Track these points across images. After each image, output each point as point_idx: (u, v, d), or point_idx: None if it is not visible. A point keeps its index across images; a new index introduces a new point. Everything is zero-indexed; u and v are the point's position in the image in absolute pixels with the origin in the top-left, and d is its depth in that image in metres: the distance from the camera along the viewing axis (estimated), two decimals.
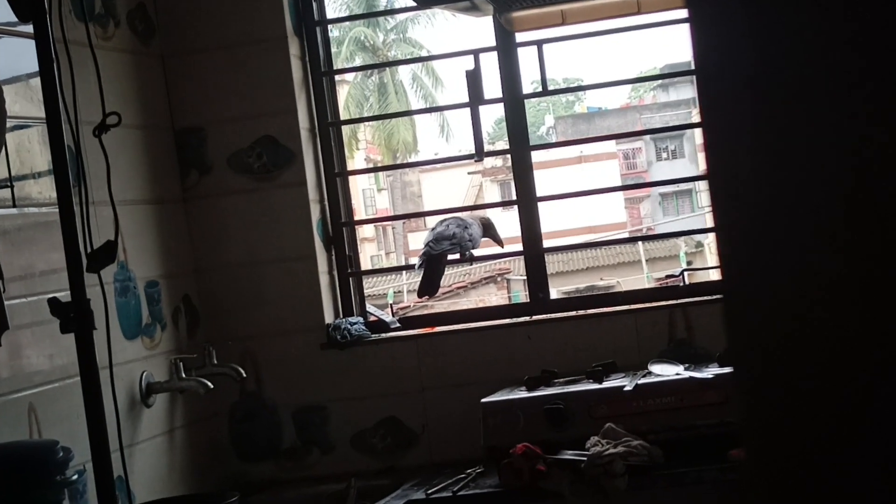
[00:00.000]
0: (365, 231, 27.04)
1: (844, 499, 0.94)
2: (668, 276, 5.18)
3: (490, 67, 4.93)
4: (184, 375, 4.53)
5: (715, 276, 5.42)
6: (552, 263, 4.77)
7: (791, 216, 0.97)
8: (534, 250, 4.95)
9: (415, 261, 5.18)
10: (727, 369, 4.26)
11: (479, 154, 5.01)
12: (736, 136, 1.02)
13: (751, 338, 1.01)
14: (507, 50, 4.89)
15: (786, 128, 0.98)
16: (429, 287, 5.01)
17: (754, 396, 1.01)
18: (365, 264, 5.14)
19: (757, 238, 0.99)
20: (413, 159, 30.45)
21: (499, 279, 22.22)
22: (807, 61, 0.99)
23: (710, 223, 23.27)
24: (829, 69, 0.98)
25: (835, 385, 0.94)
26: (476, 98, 4.90)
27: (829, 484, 0.95)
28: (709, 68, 1.04)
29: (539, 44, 4.84)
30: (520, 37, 4.89)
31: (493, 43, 4.90)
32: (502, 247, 5.08)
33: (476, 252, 5.07)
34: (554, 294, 5.03)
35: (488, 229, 5.07)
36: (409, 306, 13.12)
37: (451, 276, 21.23)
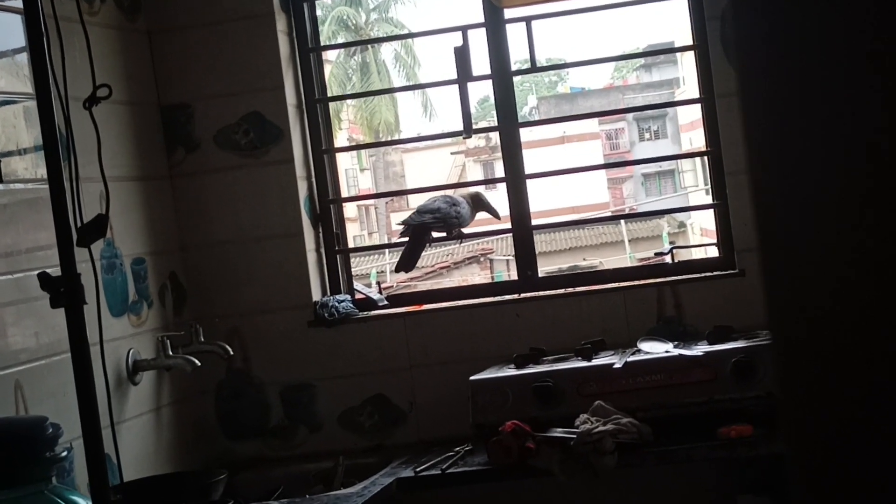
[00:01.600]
0: (348, 211, 27.00)
1: (879, 468, 0.92)
2: (656, 254, 5.19)
3: (478, 45, 4.90)
4: (170, 353, 4.51)
5: (700, 254, 5.41)
6: (535, 244, 4.74)
7: (822, 188, 0.95)
8: (522, 228, 4.93)
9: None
10: (716, 347, 4.26)
11: (468, 131, 4.99)
12: (773, 111, 1.00)
13: (789, 308, 1.00)
14: (495, 26, 4.87)
15: (816, 106, 0.97)
16: (405, 262, 5.00)
17: (792, 366, 1.00)
18: (349, 244, 5.13)
19: (794, 210, 0.98)
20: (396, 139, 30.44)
21: (482, 259, 22.21)
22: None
23: (693, 202, 23.28)
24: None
25: (871, 353, 0.93)
26: (464, 75, 4.88)
27: (865, 453, 0.93)
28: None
29: (528, 20, 4.82)
30: (508, 13, 4.87)
31: (481, 20, 4.87)
32: (499, 218, 5.04)
33: (464, 230, 5.05)
34: (539, 273, 5.01)
35: (479, 204, 5.04)
36: (392, 286, 13.09)
37: (434, 256, 21.22)
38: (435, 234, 5.02)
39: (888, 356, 0.93)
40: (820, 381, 0.98)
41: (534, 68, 5.14)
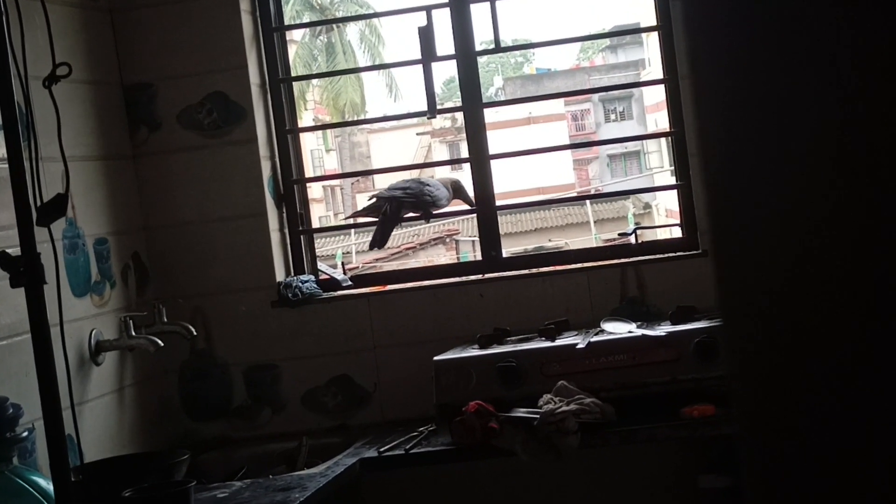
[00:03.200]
0: (313, 192, 26.94)
1: (838, 454, 0.93)
2: (620, 235, 5.19)
3: (442, 25, 4.90)
4: (133, 333, 4.49)
5: (665, 234, 5.42)
6: (501, 224, 4.75)
7: (776, 164, 0.95)
8: (486, 208, 4.93)
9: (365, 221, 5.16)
10: (679, 327, 4.28)
11: (432, 111, 4.98)
12: (720, 85, 1.00)
13: (740, 292, 1.00)
14: (459, 6, 4.86)
15: (768, 74, 0.97)
16: (378, 239, 5.02)
17: (743, 352, 1.00)
18: (314, 225, 5.13)
19: (742, 189, 0.98)
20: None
21: (447, 240, 22.21)
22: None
23: (658, 183, 23.32)
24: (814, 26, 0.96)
25: (826, 336, 0.93)
26: (429, 55, 4.87)
27: (823, 439, 0.94)
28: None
29: (492, 0, 4.81)
30: None
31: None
32: (473, 206, 5.02)
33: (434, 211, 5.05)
34: (504, 254, 5.01)
35: (459, 191, 5.04)
36: (358, 267, 13.07)
37: (400, 237, 21.21)
38: (408, 214, 5.03)
39: (839, 340, 0.93)
40: (770, 365, 0.98)
41: (498, 49, 5.13)
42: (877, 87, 0.92)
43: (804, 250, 0.94)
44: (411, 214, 5.04)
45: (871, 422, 0.90)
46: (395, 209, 4.95)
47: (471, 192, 4.98)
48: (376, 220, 5.00)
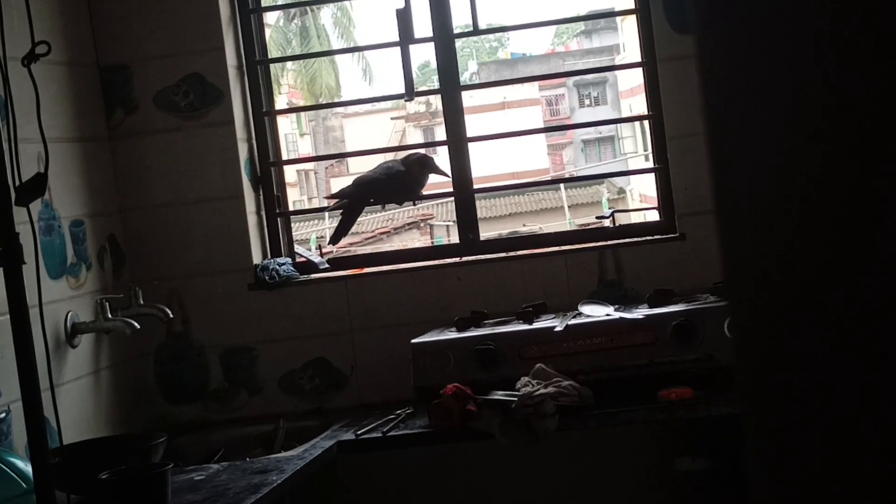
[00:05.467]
0: (287, 176, 26.88)
1: (839, 432, 0.93)
2: (598, 218, 5.20)
3: (420, 7, 4.88)
4: (109, 316, 4.47)
5: (641, 218, 5.42)
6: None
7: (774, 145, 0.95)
8: (464, 191, 4.93)
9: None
10: (657, 310, 4.28)
11: (409, 93, 4.97)
12: (726, 69, 1.00)
13: (746, 268, 1.00)
14: None
15: (770, 62, 0.97)
16: (337, 235, 5.04)
17: (748, 328, 1.00)
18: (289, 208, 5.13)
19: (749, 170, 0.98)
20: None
21: (422, 224, 22.20)
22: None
23: (632, 167, 23.33)
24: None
25: (830, 316, 0.93)
26: (406, 37, 4.86)
27: (824, 419, 0.94)
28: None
29: None
30: None
31: None
32: (449, 177, 4.99)
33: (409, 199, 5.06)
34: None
35: (427, 166, 5.00)
36: (333, 250, 13.07)
37: (374, 221, 21.18)
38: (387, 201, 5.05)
39: (842, 320, 0.93)
40: (775, 342, 0.98)
41: (476, 31, 5.12)
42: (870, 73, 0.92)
43: (804, 227, 0.95)
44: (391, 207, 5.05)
45: (872, 395, 0.90)
46: (357, 204, 4.97)
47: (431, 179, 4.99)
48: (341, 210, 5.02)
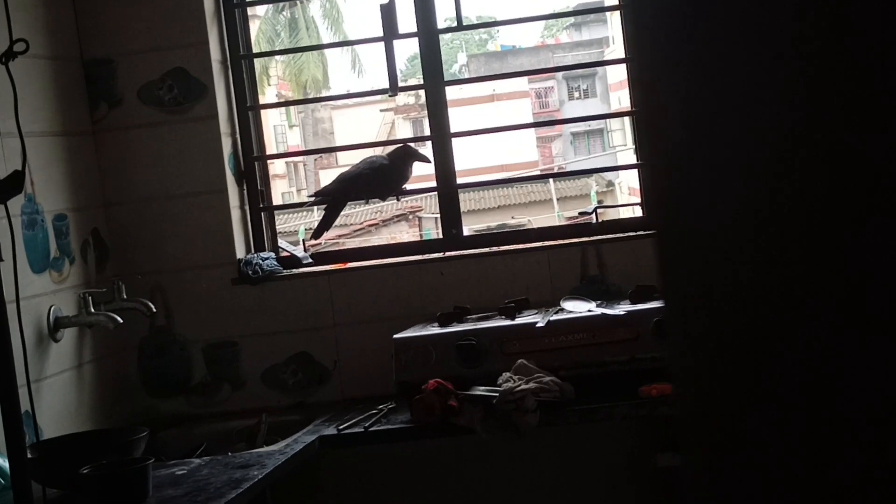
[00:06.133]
0: (276, 168, 26.84)
1: (770, 435, 0.94)
2: (580, 213, 5.21)
3: (405, 2, 4.88)
4: (92, 310, 4.47)
5: (626, 213, 5.43)
6: (464, 202, 4.78)
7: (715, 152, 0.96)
8: (447, 186, 4.93)
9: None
10: (639, 306, 4.29)
11: (394, 89, 4.97)
12: (666, 73, 1.01)
13: (682, 273, 1.01)
14: None
15: (715, 65, 0.97)
16: (318, 231, 5.05)
17: (684, 334, 1.01)
18: (277, 201, 5.13)
19: (683, 174, 0.99)
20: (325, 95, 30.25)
21: (410, 217, 22.20)
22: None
23: (621, 162, 23.38)
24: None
25: (764, 320, 0.94)
26: (391, 32, 4.86)
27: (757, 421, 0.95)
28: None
29: None
30: None
31: None
32: (430, 162, 5.00)
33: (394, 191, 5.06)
34: (466, 232, 5.01)
35: (411, 156, 5.00)
36: (320, 244, 13.06)
37: (363, 214, 21.18)
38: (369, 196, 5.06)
39: (785, 341, 0.94)
40: (713, 350, 0.99)
41: (460, 26, 5.12)
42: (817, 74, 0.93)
43: (752, 235, 0.95)
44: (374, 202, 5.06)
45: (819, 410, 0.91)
46: (339, 202, 4.99)
47: (417, 171, 5.00)
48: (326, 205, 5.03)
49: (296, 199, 23.51)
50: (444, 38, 4.90)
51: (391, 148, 5.14)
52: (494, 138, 20.45)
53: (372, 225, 21.29)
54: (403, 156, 4.99)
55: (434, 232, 19.33)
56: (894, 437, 0.89)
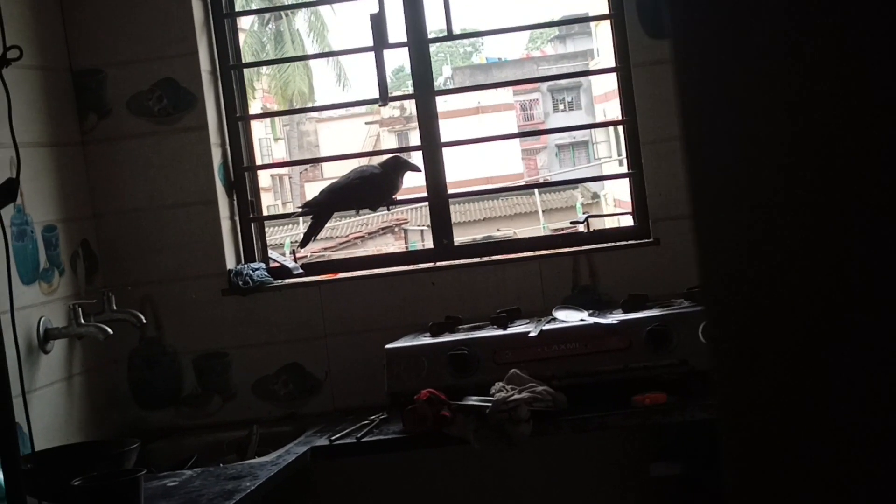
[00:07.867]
0: (262, 181, 26.83)
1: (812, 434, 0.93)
2: (572, 223, 5.21)
3: (394, 12, 4.88)
4: (82, 321, 4.45)
5: (614, 223, 5.43)
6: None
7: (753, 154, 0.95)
8: (438, 196, 4.92)
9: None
10: (631, 315, 4.28)
11: (384, 98, 4.96)
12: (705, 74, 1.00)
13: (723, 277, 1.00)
14: None
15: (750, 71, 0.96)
16: (305, 240, 5.05)
17: (724, 333, 1.00)
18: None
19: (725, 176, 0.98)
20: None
21: (396, 229, 22.19)
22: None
23: (606, 172, 23.38)
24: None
25: (803, 316, 0.93)
26: (380, 42, 4.85)
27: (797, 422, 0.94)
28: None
29: None
30: None
31: None
32: (420, 171, 4.99)
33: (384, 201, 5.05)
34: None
35: (401, 166, 4.99)
36: (307, 255, 13.06)
37: (349, 226, 21.17)
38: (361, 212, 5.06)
39: (818, 323, 0.93)
40: (751, 347, 0.98)
41: (451, 36, 5.11)
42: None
43: (780, 230, 0.94)
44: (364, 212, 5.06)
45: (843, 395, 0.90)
46: (325, 212, 4.99)
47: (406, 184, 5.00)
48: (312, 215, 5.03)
49: (281, 213, 23.49)
50: (429, 51, 4.89)
51: (381, 158, 5.13)
52: (480, 150, 20.47)
53: (358, 237, 21.27)
54: (395, 166, 4.98)
55: (420, 244, 19.32)
56: None
